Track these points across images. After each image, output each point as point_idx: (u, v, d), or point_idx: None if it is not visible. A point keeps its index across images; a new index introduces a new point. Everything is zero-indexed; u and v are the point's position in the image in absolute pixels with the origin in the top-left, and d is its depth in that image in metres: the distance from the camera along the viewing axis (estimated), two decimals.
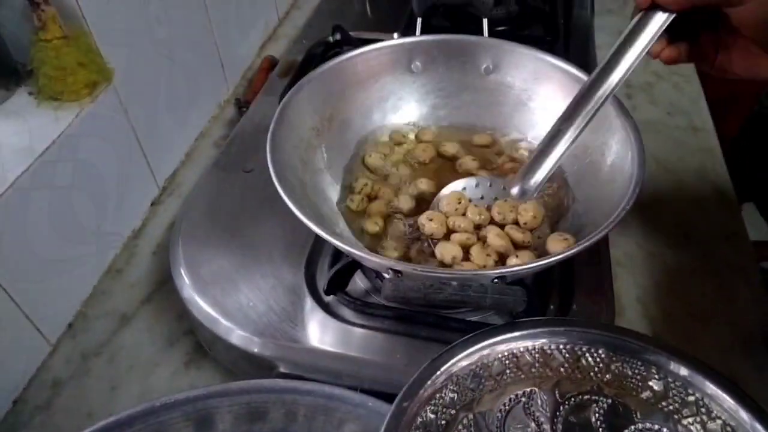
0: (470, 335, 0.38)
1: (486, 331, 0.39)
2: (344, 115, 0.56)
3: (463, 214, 0.49)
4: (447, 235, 0.48)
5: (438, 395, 0.36)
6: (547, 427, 0.35)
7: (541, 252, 0.47)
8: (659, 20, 0.42)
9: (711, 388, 0.36)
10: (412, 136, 0.59)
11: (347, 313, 0.49)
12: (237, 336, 0.48)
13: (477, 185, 0.51)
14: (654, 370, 0.37)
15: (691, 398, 0.36)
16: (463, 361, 0.37)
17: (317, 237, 0.45)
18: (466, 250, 0.46)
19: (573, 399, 0.36)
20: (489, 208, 0.49)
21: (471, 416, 0.35)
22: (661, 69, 0.83)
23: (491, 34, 0.66)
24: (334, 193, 0.53)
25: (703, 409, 0.35)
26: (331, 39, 0.77)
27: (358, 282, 0.53)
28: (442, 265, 0.46)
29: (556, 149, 0.46)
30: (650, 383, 0.37)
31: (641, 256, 0.59)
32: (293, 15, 0.97)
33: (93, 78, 0.54)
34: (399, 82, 0.58)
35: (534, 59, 0.55)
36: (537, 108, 0.56)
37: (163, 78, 0.65)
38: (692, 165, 0.69)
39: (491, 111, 0.58)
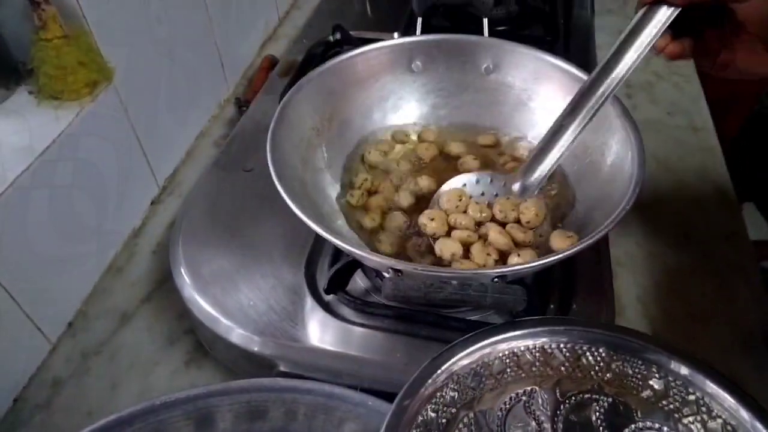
0: (471, 334, 0.38)
1: (487, 329, 0.39)
2: (344, 114, 0.56)
3: (464, 211, 0.49)
4: (447, 233, 0.47)
5: (439, 394, 0.36)
6: (547, 425, 0.35)
7: (543, 250, 0.47)
8: (664, 15, 0.41)
9: (711, 387, 0.36)
10: (414, 136, 0.58)
11: (347, 312, 0.49)
12: (237, 335, 0.48)
13: (477, 181, 0.51)
14: (654, 369, 0.37)
15: (692, 397, 0.36)
16: (464, 359, 0.37)
17: (317, 236, 0.45)
18: (466, 247, 0.46)
19: (573, 398, 0.36)
20: (490, 206, 0.49)
21: (472, 415, 0.35)
22: (661, 69, 0.83)
23: (491, 33, 0.66)
24: (334, 192, 0.53)
25: (703, 408, 0.35)
26: (331, 38, 0.77)
27: (359, 281, 0.53)
28: (441, 261, 0.46)
29: (557, 146, 0.46)
30: (651, 382, 0.37)
31: (641, 256, 0.59)
32: (293, 14, 0.97)
33: (93, 77, 0.54)
34: (399, 82, 0.58)
35: (534, 59, 0.55)
36: (537, 108, 0.56)
37: (163, 77, 0.65)
38: (692, 165, 0.69)
39: (491, 111, 0.58)
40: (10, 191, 0.47)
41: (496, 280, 0.40)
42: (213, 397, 0.41)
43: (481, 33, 0.67)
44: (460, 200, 0.49)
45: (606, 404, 0.36)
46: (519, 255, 0.45)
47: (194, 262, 0.52)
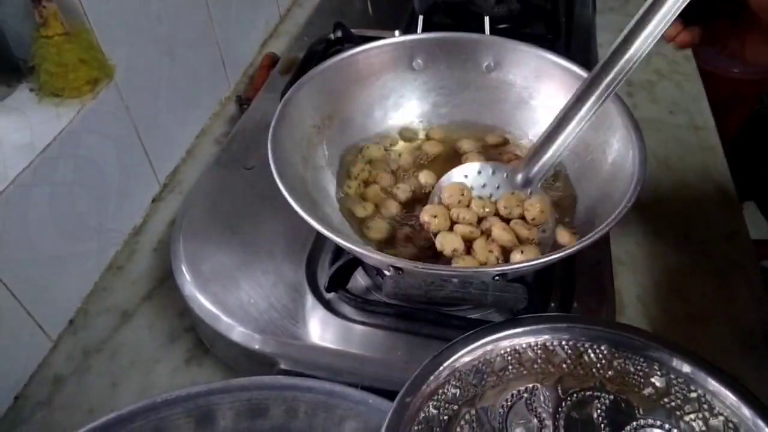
0: (473, 331, 0.38)
1: (489, 327, 0.39)
2: (345, 112, 0.56)
3: (467, 206, 0.48)
4: (450, 227, 0.47)
5: (441, 390, 0.36)
6: (549, 422, 0.35)
7: (545, 247, 0.46)
8: (675, 2, 0.40)
9: (713, 384, 0.36)
10: (422, 134, 0.58)
11: (348, 310, 0.49)
12: (238, 333, 0.48)
13: (479, 172, 0.50)
14: (656, 367, 0.37)
15: (694, 395, 0.36)
16: (465, 356, 0.37)
17: (318, 234, 0.45)
18: (468, 243, 0.46)
19: (575, 395, 0.36)
20: (493, 200, 0.49)
21: (473, 412, 0.35)
22: (662, 67, 0.83)
23: (493, 31, 0.66)
24: (335, 190, 0.53)
25: (705, 406, 0.35)
26: (332, 36, 0.77)
27: (359, 279, 0.52)
28: (442, 256, 0.45)
29: (561, 136, 0.46)
30: (652, 380, 0.37)
31: (642, 255, 0.59)
32: (294, 12, 0.97)
33: (94, 75, 0.54)
34: (400, 80, 0.58)
35: (535, 57, 0.55)
36: (538, 106, 0.56)
37: (164, 75, 0.65)
38: (693, 164, 0.69)
39: (492, 109, 0.58)
40: (11, 189, 0.46)
41: (497, 278, 0.40)
42: (214, 395, 0.41)
43: (483, 31, 0.67)
44: (462, 195, 0.49)
45: (608, 401, 0.36)
46: (522, 252, 0.45)
47: (195, 260, 0.52)
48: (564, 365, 0.38)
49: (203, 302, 0.49)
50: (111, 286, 0.58)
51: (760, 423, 0.34)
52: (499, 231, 0.46)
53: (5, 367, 0.49)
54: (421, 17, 0.70)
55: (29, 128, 0.51)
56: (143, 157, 0.64)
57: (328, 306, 0.49)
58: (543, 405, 0.36)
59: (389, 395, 0.37)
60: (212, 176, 0.61)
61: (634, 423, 0.35)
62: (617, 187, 0.45)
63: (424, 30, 0.69)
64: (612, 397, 0.36)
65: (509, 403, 0.36)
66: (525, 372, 0.37)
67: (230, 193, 0.59)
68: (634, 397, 0.36)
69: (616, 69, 0.43)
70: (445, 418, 0.35)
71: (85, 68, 0.53)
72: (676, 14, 0.40)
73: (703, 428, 0.35)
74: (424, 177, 0.53)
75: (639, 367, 0.37)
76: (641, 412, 0.35)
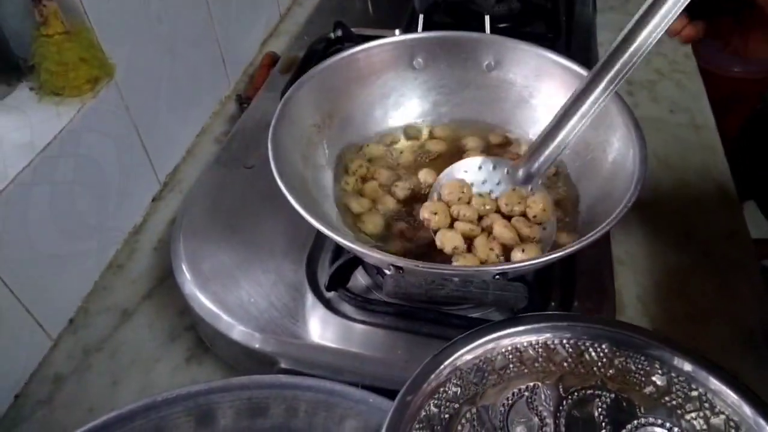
0: (474, 329, 0.38)
1: (490, 325, 0.39)
2: (345, 111, 0.56)
3: (468, 203, 0.48)
4: (450, 225, 0.47)
5: (442, 389, 0.35)
6: (550, 421, 0.35)
7: (546, 246, 0.46)
8: None
9: (714, 383, 0.36)
10: (426, 132, 0.58)
11: (348, 309, 0.49)
12: (238, 332, 0.48)
13: (480, 167, 0.50)
14: (657, 366, 0.37)
15: (695, 393, 0.36)
16: (467, 355, 0.37)
17: (318, 233, 0.45)
18: (468, 240, 0.46)
19: (576, 393, 0.36)
20: (493, 196, 0.49)
21: (474, 410, 0.35)
22: (663, 66, 0.83)
23: (493, 30, 0.66)
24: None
25: (706, 405, 0.35)
26: (332, 35, 0.77)
27: (359, 278, 0.52)
28: (442, 254, 0.45)
29: (563, 132, 0.45)
30: (653, 378, 0.37)
31: (642, 254, 0.59)
32: (295, 11, 0.97)
33: (94, 73, 0.54)
34: (401, 79, 0.58)
35: (536, 56, 0.55)
36: (539, 105, 0.56)
37: (164, 74, 0.65)
38: (694, 163, 0.69)
39: (493, 108, 0.58)
40: (11, 188, 0.46)
41: (497, 277, 0.40)
42: (214, 394, 0.41)
43: (483, 30, 0.67)
44: (463, 192, 0.48)
45: (609, 400, 0.36)
46: (523, 251, 0.45)
47: (195, 259, 0.52)
48: (565, 364, 0.38)
49: (203, 301, 0.49)
50: (111, 285, 0.58)
51: (761, 422, 0.34)
52: (500, 228, 0.46)
53: (5, 366, 0.49)
54: (421, 16, 0.70)
55: (29, 127, 0.51)
56: (143, 156, 0.64)
57: (328, 305, 0.49)
58: (544, 403, 0.36)
59: (389, 394, 0.37)
60: (212, 175, 0.61)
61: (635, 421, 0.35)
62: (618, 186, 0.45)
63: (424, 29, 0.69)
64: (613, 395, 0.36)
65: (510, 401, 0.36)
66: (526, 370, 0.37)
67: (230, 192, 0.59)
68: (635, 396, 0.36)
69: (621, 61, 0.42)
70: (446, 416, 0.35)
71: (86, 67, 0.53)
72: (682, 8, 0.40)
73: (704, 427, 0.35)
74: (424, 175, 0.53)
75: (640, 366, 0.37)
76: (642, 410, 0.35)
